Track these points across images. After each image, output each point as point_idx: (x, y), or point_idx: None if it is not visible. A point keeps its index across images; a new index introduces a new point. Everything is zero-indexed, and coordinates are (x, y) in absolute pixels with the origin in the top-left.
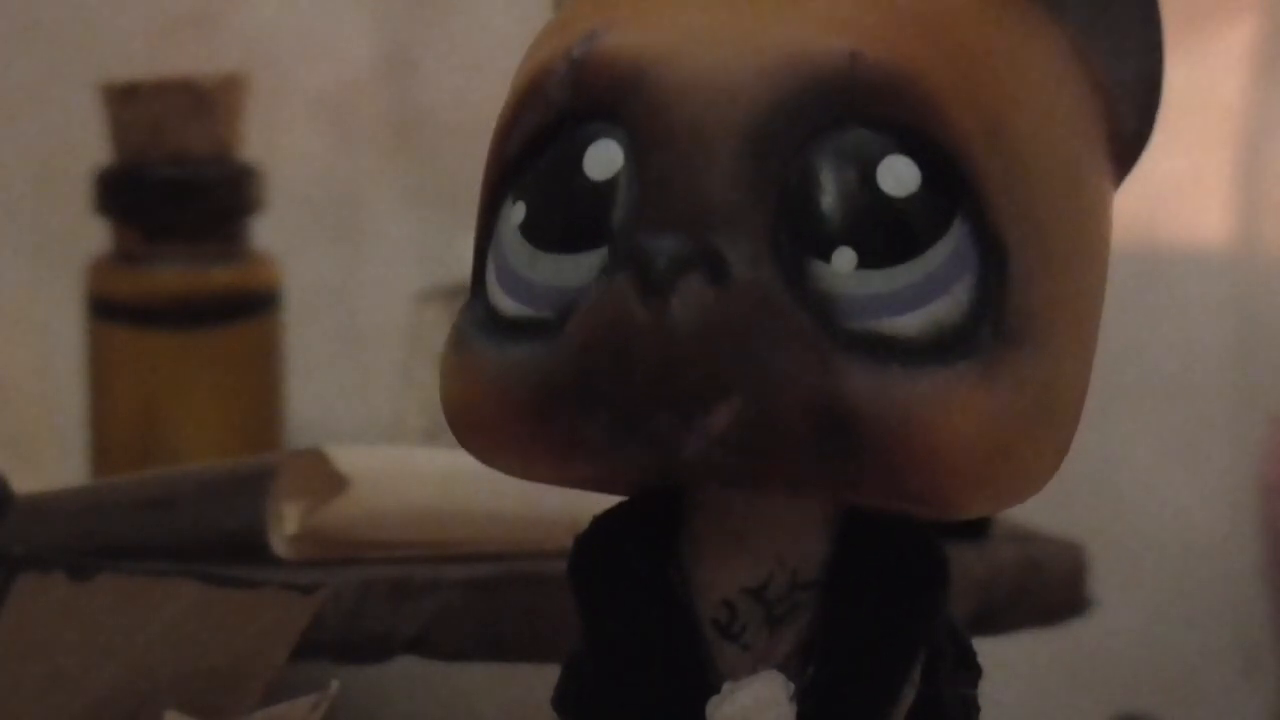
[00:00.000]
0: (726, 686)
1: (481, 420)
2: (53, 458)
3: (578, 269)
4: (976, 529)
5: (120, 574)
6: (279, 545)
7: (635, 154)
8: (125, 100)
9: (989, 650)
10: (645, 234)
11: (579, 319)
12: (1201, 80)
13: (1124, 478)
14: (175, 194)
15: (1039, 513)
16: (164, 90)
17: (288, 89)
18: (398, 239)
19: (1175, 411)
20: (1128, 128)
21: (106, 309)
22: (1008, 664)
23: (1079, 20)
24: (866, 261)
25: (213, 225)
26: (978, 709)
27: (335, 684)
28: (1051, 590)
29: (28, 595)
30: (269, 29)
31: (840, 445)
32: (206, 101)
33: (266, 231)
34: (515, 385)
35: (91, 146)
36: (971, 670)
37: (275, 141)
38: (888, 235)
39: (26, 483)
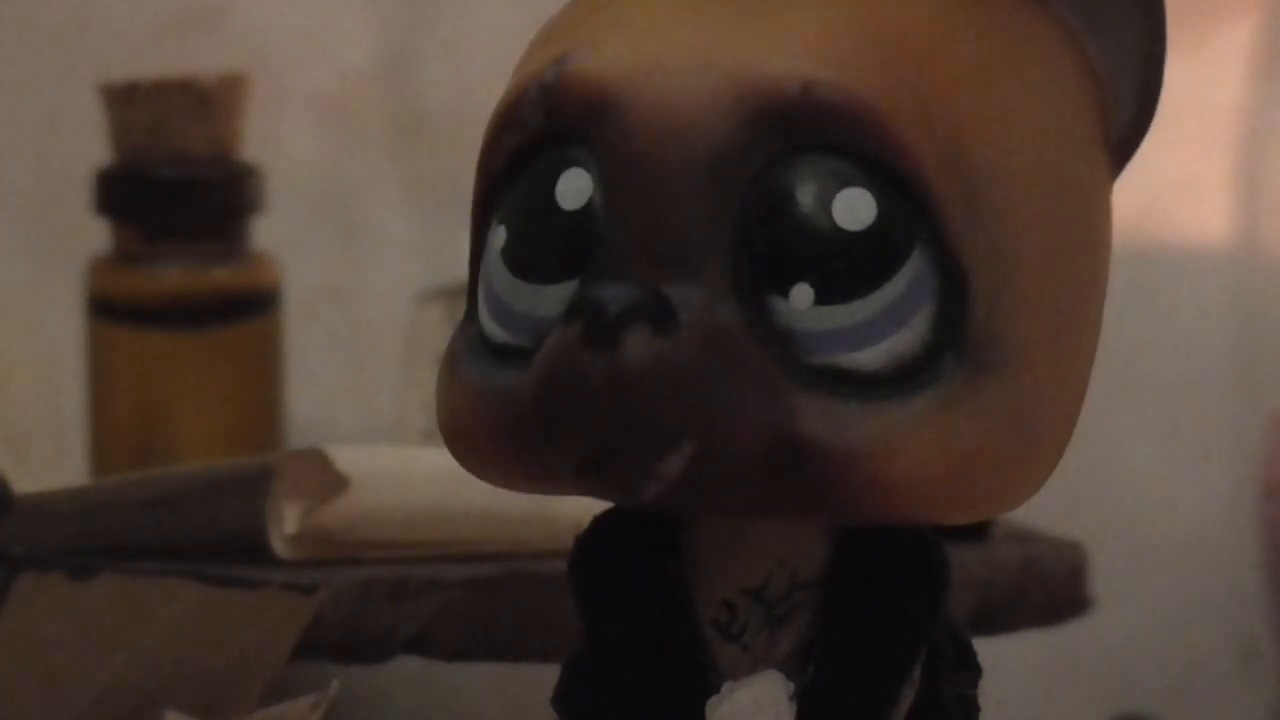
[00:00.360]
0: (726, 686)
1: (466, 440)
2: (53, 458)
3: (553, 300)
4: (976, 529)
5: (120, 574)
6: (279, 545)
7: (603, 183)
8: (125, 100)
9: (989, 650)
10: (595, 282)
11: (537, 361)
12: (1201, 80)
13: (1124, 478)
14: (175, 194)
15: (1039, 513)
16: (164, 90)
17: (288, 89)
18: (398, 239)
19: (1175, 411)
20: (1126, 121)
21: (106, 309)
22: (1008, 664)
23: (1076, 12)
24: (824, 297)
25: (213, 225)
26: (978, 709)
27: (335, 684)
28: (1051, 590)
29: (28, 595)
30: (269, 29)
31: (797, 481)
32: (206, 101)
33: (266, 231)
34: (495, 411)
35: (91, 146)
36: (971, 670)
37: (275, 141)
38: (844, 270)
39: (26, 483)
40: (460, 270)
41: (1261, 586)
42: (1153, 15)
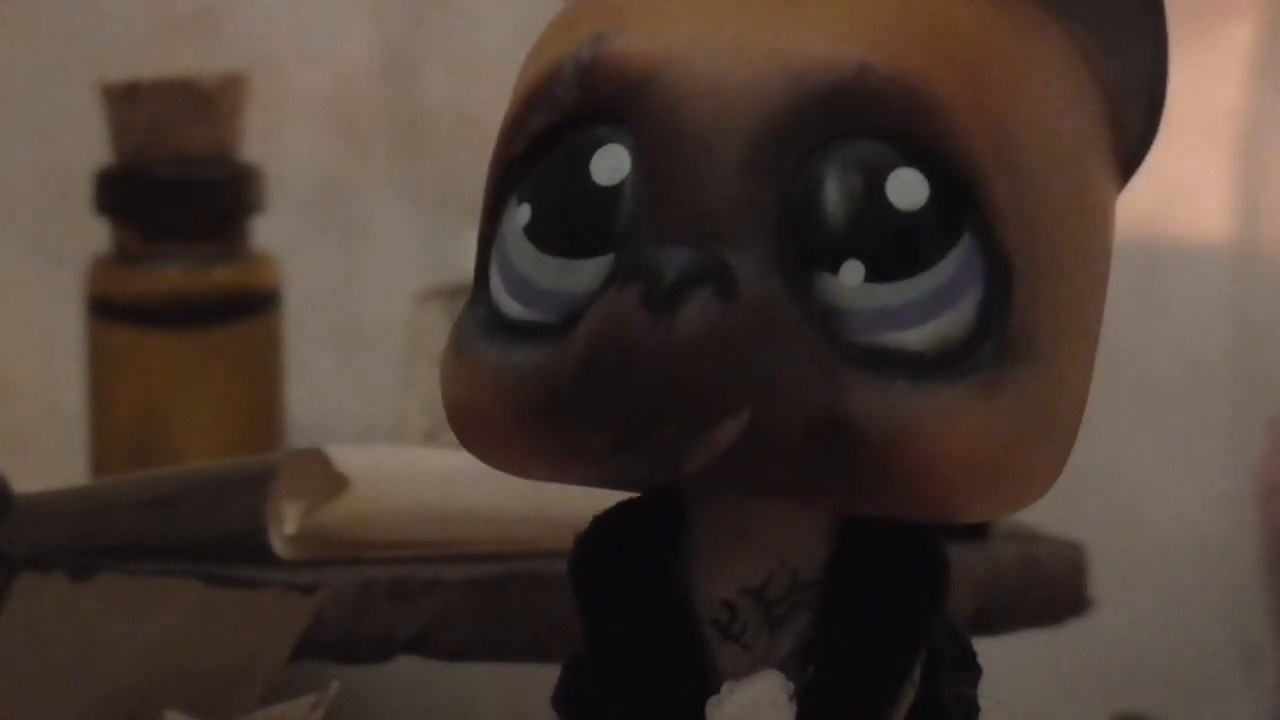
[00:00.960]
0: (726, 686)
1: (482, 422)
2: (53, 458)
3: (582, 274)
4: (976, 529)
5: (120, 574)
6: (279, 545)
7: (642, 160)
8: (125, 100)
9: (989, 650)
10: (653, 245)
11: (583, 328)
12: (1201, 80)
13: (1124, 478)
14: (175, 194)
15: (1039, 513)
16: (164, 90)
17: (288, 89)
18: (398, 239)
19: (1175, 412)
20: (1133, 131)
21: (106, 309)
22: (1008, 664)
23: (1086, 25)
24: (875, 275)
25: (213, 225)
26: (977, 709)
27: (335, 684)
28: (1051, 590)
29: (28, 595)
30: (269, 29)
31: (842, 458)
32: (206, 101)
33: (266, 231)
34: (516, 389)
35: (91, 146)
36: (971, 670)
37: (275, 141)
38: (896, 248)
39: (26, 483)
40: (460, 270)
41: (1261, 586)
42: (1158, 36)
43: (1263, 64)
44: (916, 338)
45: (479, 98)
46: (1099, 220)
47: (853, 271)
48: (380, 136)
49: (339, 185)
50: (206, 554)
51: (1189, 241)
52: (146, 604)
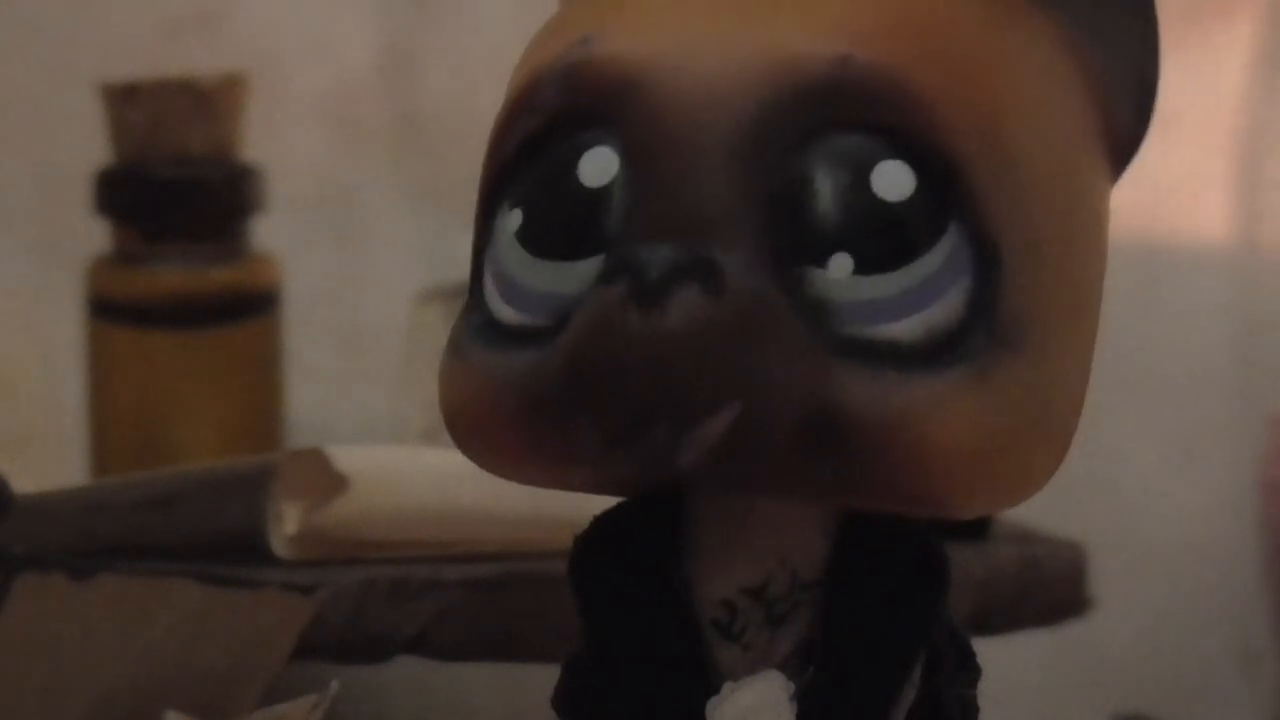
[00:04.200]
0: (727, 687)
1: (477, 426)
2: (53, 458)
3: (574, 277)
4: (976, 529)
5: (120, 574)
6: (279, 545)
7: (629, 161)
8: (125, 100)
9: (989, 650)
10: (640, 242)
11: (572, 326)
12: (1201, 80)
13: (1124, 478)
14: (175, 194)
15: (1039, 513)
16: (164, 90)
17: (288, 89)
18: (398, 239)
19: (1175, 411)
20: (1124, 125)
21: (106, 309)
22: (1008, 664)
23: (1075, 18)
24: (862, 267)
25: (213, 225)
26: (977, 709)
27: (335, 684)
28: (1051, 590)
29: (28, 595)
30: (269, 29)
31: (834, 451)
32: (206, 101)
33: (266, 231)
34: (510, 392)
35: (91, 146)
36: (971, 671)
37: (275, 141)
38: (884, 241)
39: (26, 483)
40: (460, 270)
41: (1261, 587)
42: (1147, 26)
43: (1263, 64)
44: (906, 328)
45: (479, 98)
46: (1090, 211)
47: (841, 264)
48: (380, 136)
49: (339, 185)
50: (206, 554)
51: (1189, 241)
52: (146, 604)
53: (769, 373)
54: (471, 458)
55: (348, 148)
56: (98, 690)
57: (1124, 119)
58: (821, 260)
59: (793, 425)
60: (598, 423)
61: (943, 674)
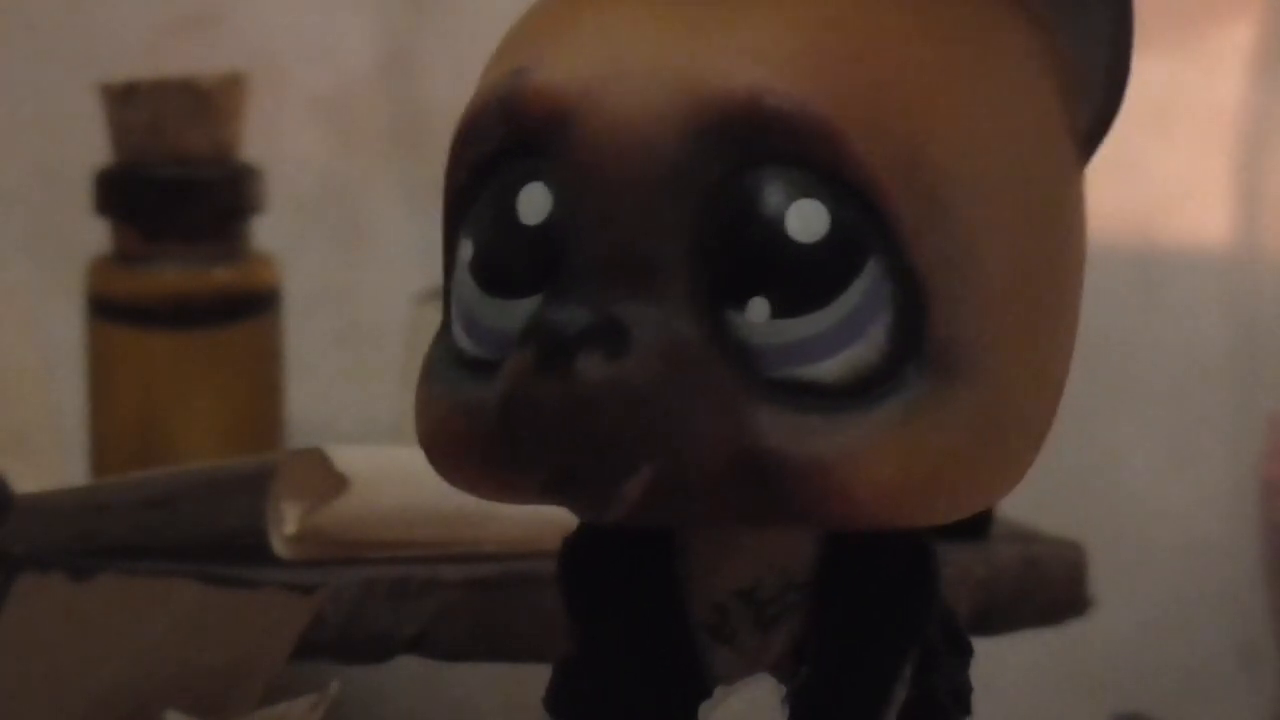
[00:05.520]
0: (719, 691)
1: (441, 455)
2: (53, 458)
3: (519, 314)
4: (976, 529)
5: (120, 574)
6: (279, 545)
7: (560, 199)
8: (125, 100)
9: (989, 650)
10: (550, 304)
11: (498, 383)
12: (1201, 81)
13: (1124, 478)
14: (175, 194)
15: (1039, 513)
16: (164, 90)
17: (288, 89)
18: (398, 239)
19: (1175, 411)
20: (1094, 104)
21: (106, 309)
22: (1008, 664)
23: (1045, 2)
24: (780, 310)
25: (213, 225)
26: (970, 689)
27: (335, 684)
28: (1051, 590)
29: (28, 595)
30: (269, 29)
31: (762, 493)
32: (206, 101)
33: (266, 231)
34: (464, 426)
35: (91, 146)
36: (963, 654)
37: (275, 141)
38: (799, 283)
39: (26, 483)
40: None
41: (1261, 586)
42: (1120, 6)
43: (1263, 64)
44: (829, 369)
45: None
46: (1053, 211)
47: (758, 308)
48: (380, 136)
49: (339, 185)
50: (206, 554)
51: (1189, 242)
52: (146, 604)
53: (690, 423)
54: (443, 479)
55: (348, 148)
56: (98, 690)
57: (1094, 101)
58: (740, 304)
59: (718, 472)
60: (527, 474)
61: (937, 672)
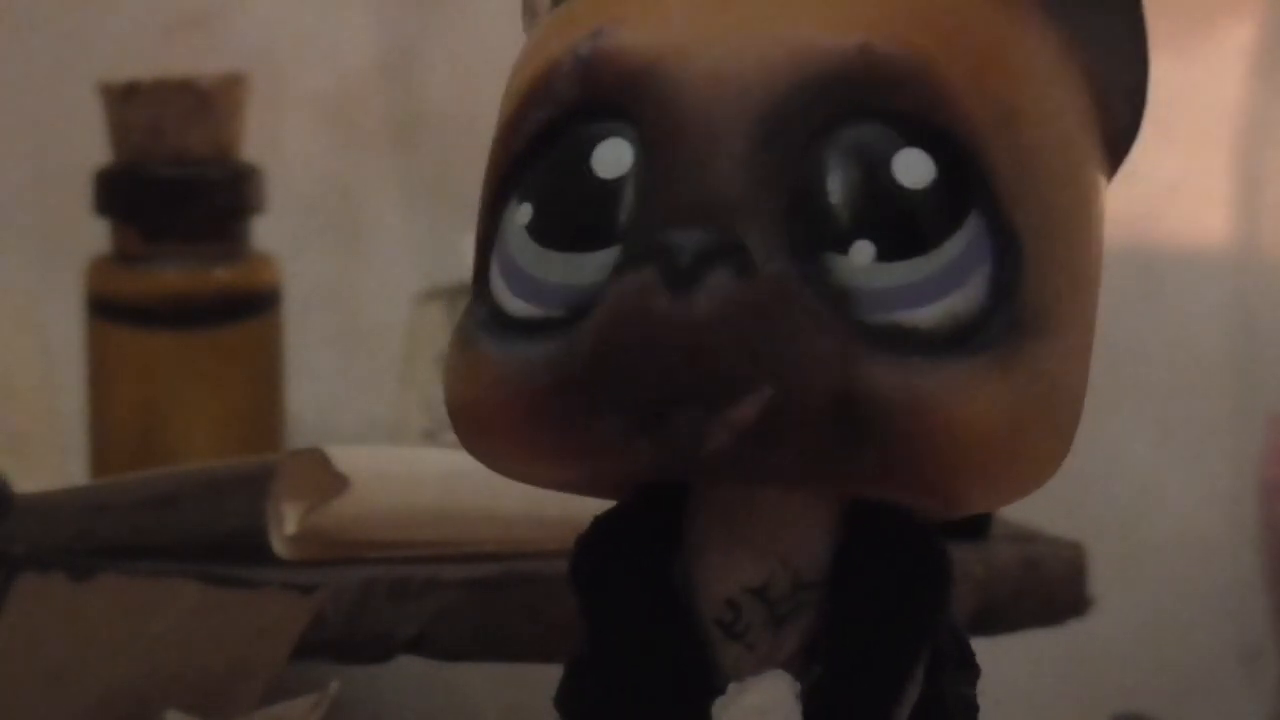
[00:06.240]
0: (732, 687)
1: (486, 420)
2: (53, 458)
3: (588, 267)
4: (977, 529)
5: (120, 574)
6: (279, 545)
7: (646, 152)
8: (125, 100)
9: (989, 650)
10: (669, 227)
11: (600, 312)
12: (1201, 80)
13: (1124, 478)
14: (175, 194)
15: (1039, 513)
16: (164, 90)
17: (288, 89)
18: (398, 239)
19: (1175, 412)
20: (1119, 124)
21: (106, 309)
22: (1008, 664)
23: (1073, 22)
24: (884, 255)
25: (213, 225)
26: (976, 708)
27: (335, 684)
28: (1051, 590)
29: (28, 595)
30: (269, 29)
31: (859, 435)
32: (206, 101)
33: (266, 231)
34: (523, 384)
35: (91, 146)
36: (971, 669)
37: (275, 141)
38: (905, 228)
39: (26, 483)
40: (461, 270)
41: (1261, 586)
42: (1137, 28)
43: (1263, 64)
44: (929, 315)
45: (479, 98)
46: (1094, 203)
47: (862, 252)
48: (380, 136)
49: (339, 185)
50: (206, 554)
51: (1189, 241)
52: (146, 604)
53: (799, 357)
54: (475, 453)
55: (348, 148)
56: (98, 690)
57: (1118, 118)
58: (843, 247)
59: (821, 410)
60: (624, 407)
61: (946, 673)
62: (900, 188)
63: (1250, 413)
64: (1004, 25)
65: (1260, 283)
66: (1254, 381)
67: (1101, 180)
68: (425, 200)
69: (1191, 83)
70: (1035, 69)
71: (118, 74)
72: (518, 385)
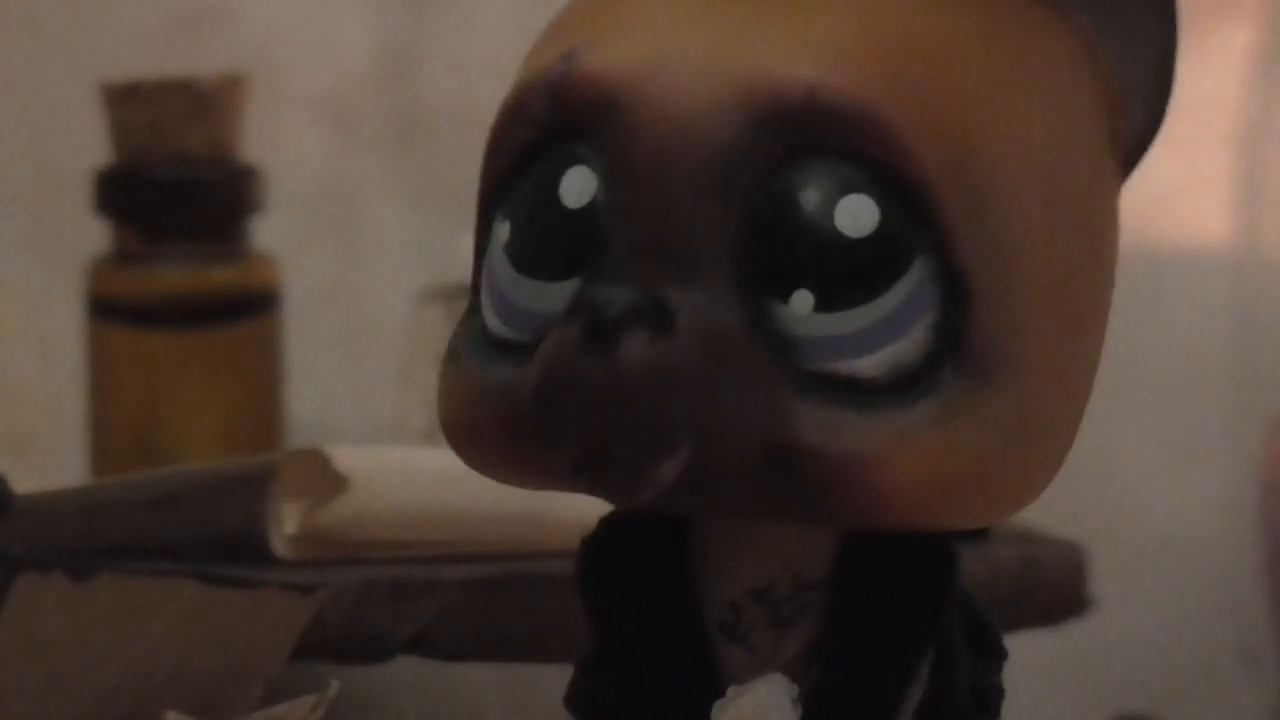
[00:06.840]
0: (731, 690)
1: (465, 434)
2: (53, 458)
3: (555, 297)
4: (976, 530)
5: (120, 574)
6: (279, 545)
7: (607, 183)
8: (125, 100)
9: None
10: (594, 283)
11: (536, 360)
12: (1201, 80)
13: (1124, 478)
14: (175, 194)
15: (1039, 513)
16: (164, 90)
17: (288, 89)
18: (398, 239)
19: (1175, 412)
20: (1135, 123)
21: (106, 309)
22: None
23: (1090, 15)
24: (824, 304)
25: (213, 225)
26: (1001, 693)
27: (335, 684)
28: (1051, 590)
29: (28, 595)
30: (269, 29)
31: (793, 486)
32: (206, 101)
33: (266, 231)
34: (494, 407)
35: (91, 146)
36: (993, 656)
37: (275, 141)
38: (845, 278)
39: (26, 483)
40: (460, 270)
41: (1261, 586)
42: (1167, 20)
43: (1263, 64)
44: (869, 364)
45: (479, 98)
46: (1092, 222)
47: (802, 300)
48: (380, 136)
49: (339, 185)
50: (206, 554)
51: (1189, 241)
52: (146, 604)
53: (728, 409)
54: (464, 461)
55: (348, 148)
56: (98, 690)
57: (1135, 117)
58: (785, 295)
59: (751, 461)
60: (559, 454)
61: (955, 670)
62: (841, 237)
63: (1250, 413)
64: (977, 53)
65: (1260, 283)
66: (1254, 382)
67: (1107, 189)
68: (425, 200)
69: (1191, 83)
70: (1013, 98)
71: (118, 74)
72: (488, 407)
